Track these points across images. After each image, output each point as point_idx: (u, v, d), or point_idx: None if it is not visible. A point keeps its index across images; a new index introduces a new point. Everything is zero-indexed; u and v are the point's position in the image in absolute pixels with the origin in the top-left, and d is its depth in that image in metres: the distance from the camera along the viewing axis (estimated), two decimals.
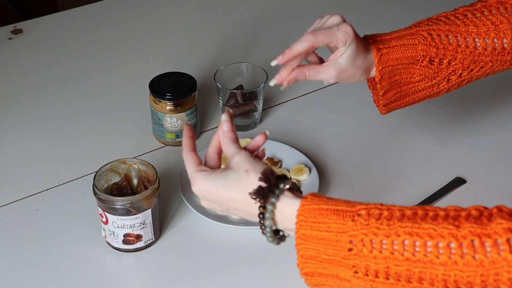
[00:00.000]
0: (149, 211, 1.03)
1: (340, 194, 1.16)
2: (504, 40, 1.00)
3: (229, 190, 0.83)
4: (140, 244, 1.06)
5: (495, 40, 1.00)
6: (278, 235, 0.84)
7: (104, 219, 1.04)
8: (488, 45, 1.00)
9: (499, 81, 1.39)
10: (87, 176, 1.20)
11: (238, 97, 1.28)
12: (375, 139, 1.27)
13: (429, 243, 0.71)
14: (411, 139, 1.29)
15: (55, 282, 1.03)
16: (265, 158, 1.22)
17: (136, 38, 1.57)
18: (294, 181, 0.84)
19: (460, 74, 1.02)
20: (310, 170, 1.19)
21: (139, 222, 1.03)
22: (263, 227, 0.83)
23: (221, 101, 1.30)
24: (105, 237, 1.06)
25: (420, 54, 1.00)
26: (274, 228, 0.83)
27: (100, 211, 1.04)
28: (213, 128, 1.32)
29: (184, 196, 1.12)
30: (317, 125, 1.32)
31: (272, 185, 0.81)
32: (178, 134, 1.25)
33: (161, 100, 1.22)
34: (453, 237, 0.70)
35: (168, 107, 1.23)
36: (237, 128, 1.30)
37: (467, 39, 1.00)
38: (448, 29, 1.01)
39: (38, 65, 1.48)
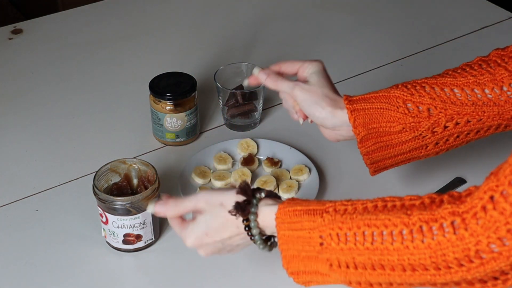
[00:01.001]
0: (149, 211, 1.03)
1: (340, 194, 1.16)
2: (486, 91, 0.97)
3: (213, 226, 0.87)
4: (140, 244, 1.06)
5: (476, 91, 0.97)
6: (269, 242, 0.88)
7: (104, 219, 1.04)
8: (469, 96, 0.97)
9: None
10: (87, 176, 1.20)
11: (238, 97, 1.28)
12: None
13: (384, 232, 0.76)
14: None
15: (55, 282, 1.03)
16: (265, 158, 1.22)
17: (136, 38, 1.57)
18: (269, 189, 0.88)
19: (445, 126, 0.99)
20: (310, 170, 1.19)
21: (139, 222, 1.03)
22: (252, 237, 0.86)
23: (221, 101, 1.30)
24: (105, 237, 1.06)
25: (394, 100, 0.99)
26: (264, 237, 0.87)
27: (100, 211, 1.04)
28: (213, 128, 1.32)
29: (184, 196, 1.12)
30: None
31: (249, 196, 0.85)
32: (178, 134, 1.25)
33: (161, 100, 1.22)
34: (404, 224, 0.75)
35: (168, 107, 1.23)
36: (237, 128, 1.31)
37: (445, 89, 0.98)
38: (424, 81, 1.00)
39: (38, 65, 1.48)
